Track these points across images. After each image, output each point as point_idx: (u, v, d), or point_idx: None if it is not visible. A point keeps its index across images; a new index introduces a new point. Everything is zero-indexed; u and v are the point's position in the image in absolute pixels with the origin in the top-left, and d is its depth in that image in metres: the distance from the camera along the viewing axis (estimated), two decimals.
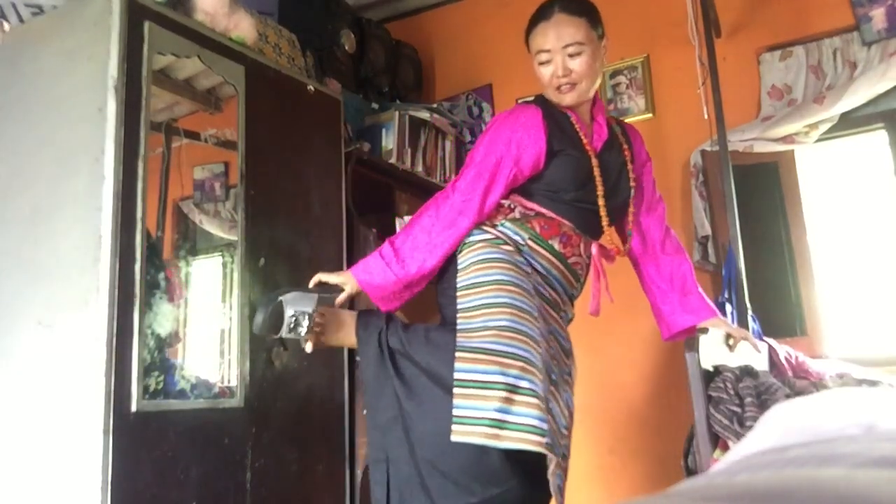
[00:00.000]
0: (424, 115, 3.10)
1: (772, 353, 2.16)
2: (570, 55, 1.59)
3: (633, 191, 1.70)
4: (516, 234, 1.60)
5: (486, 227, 1.61)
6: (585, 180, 1.61)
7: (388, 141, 3.00)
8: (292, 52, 2.60)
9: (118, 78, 1.78)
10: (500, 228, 1.61)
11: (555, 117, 1.65)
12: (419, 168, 3.07)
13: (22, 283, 1.84)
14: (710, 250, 2.72)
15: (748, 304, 2.23)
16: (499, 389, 1.37)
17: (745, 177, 2.60)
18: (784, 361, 2.13)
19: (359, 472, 2.33)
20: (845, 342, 2.57)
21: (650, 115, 3.01)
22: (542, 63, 1.62)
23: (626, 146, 1.71)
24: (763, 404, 1.51)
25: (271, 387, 2.10)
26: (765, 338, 2.23)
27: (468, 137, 3.41)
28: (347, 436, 2.34)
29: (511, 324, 1.44)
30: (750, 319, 2.22)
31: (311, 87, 2.47)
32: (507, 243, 1.59)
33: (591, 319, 3.03)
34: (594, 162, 1.61)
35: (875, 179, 2.66)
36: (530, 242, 1.59)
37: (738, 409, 1.51)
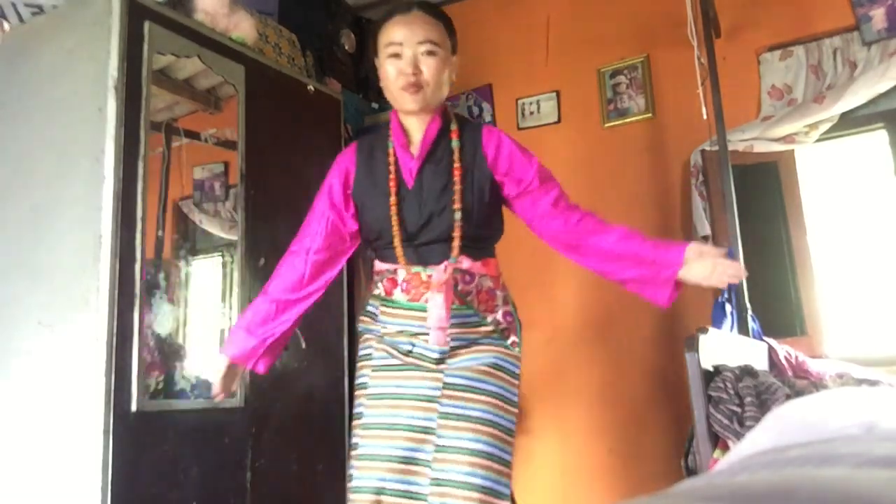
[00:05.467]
0: None
1: (772, 353, 2.16)
2: (423, 53, 1.48)
3: (457, 210, 1.49)
4: (374, 307, 1.60)
5: (361, 317, 1.64)
6: (390, 216, 1.52)
7: None
8: (292, 52, 2.60)
9: (118, 78, 1.78)
10: (367, 309, 1.63)
11: (372, 154, 1.58)
12: None
13: (22, 283, 1.84)
14: None
15: (748, 304, 2.23)
16: None
17: (745, 177, 2.60)
18: (784, 361, 2.14)
19: None
20: (845, 342, 2.57)
21: (650, 115, 3.01)
22: (391, 56, 1.49)
23: (457, 164, 1.52)
24: (763, 404, 1.51)
25: (271, 387, 2.10)
26: (765, 338, 2.23)
27: None
28: (347, 436, 2.35)
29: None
30: (750, 319, 2.22)
31: (311, 87, 2.47)
32: (368, 331, 1.60)
33: (591, 319, 3.02)
34: (392, 200, 1.51)
35: (875, 179, 2.66)
36: (382, 308, 1.57)
37: (737, 409, 1.51)
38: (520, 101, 3.32)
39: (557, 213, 1.54)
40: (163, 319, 1.96)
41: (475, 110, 3.43)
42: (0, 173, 1.97)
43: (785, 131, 2.62)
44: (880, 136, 2.63)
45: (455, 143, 1.55)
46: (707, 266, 1.42)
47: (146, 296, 1.82)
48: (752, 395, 1.53)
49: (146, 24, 1.87)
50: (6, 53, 2.04)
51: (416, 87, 1.48)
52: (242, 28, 2.27)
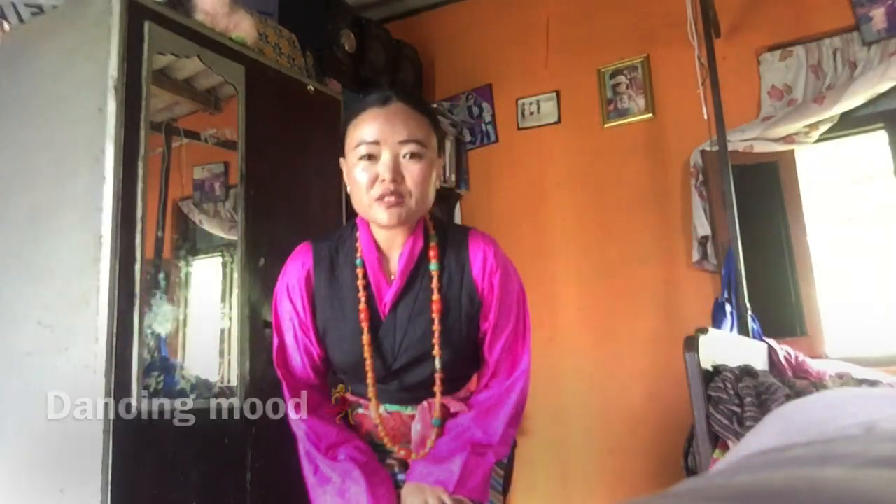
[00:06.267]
0: None
1: (772, 353, 2.16)
2: (406, 155, 1.20)
3: (435, 343, 1.25)
4: None
5: None
6: (360, 357, 1.26)
7: None
8: (292, 52, 2.60)
9: (118, 78, 1.78)
10: None
11: (334, 270, 1.30)
12: None
13: (22, 283, 1.84)
14: (710, 250, 2.73)
15: (748, 304, 2.23)
16: None
17: (745, 177, 2.60)
18: (784, 361, 2.14)
19: None
20: (845, 342, 2.57)
21: (650, 115, 3.01)
22: (363, 157, 1.20)
23: (436, 295, 1.26)
24: (763, 404, 1.51)
25: (271, 387, 2.10)
26: (765, 338, 2.23)
27: (468, 137, 3.42)
28: None
29: None
30: (750, 319, 2.22)
31: (311, 87, 2.47)
32: None
33: (591, 319, 3.02)
34: (365, 339, 1.25)
35: (875, 179, 2.66)
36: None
37: (737, 409, 1.51)
38: (520, 101, 3.32)
39: (486, 362, 1.33)
40: (163, 319, 1.96)
41: (475, 110, 3.43)
42: (0, 173, 1.97)
43: (785, 131, 2.63)
44: (880, 136, 2.64)
45: (434, 267, 1.27)
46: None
47: (146, 296, 1.81)
48: (751, 396, 1.53)
49: (146, 24, 1.87)
50: (6, 53, 2.04)
51: (398, 198, 1.19)
52: (242, 28, 2.27)
